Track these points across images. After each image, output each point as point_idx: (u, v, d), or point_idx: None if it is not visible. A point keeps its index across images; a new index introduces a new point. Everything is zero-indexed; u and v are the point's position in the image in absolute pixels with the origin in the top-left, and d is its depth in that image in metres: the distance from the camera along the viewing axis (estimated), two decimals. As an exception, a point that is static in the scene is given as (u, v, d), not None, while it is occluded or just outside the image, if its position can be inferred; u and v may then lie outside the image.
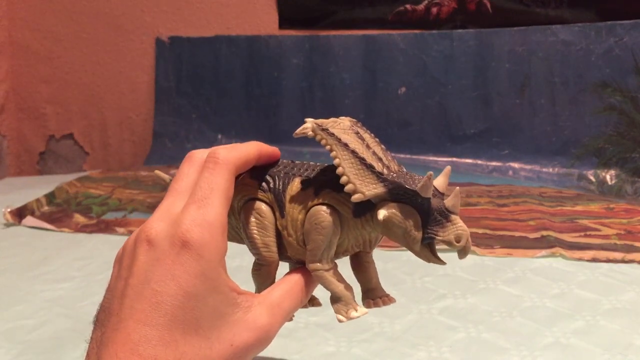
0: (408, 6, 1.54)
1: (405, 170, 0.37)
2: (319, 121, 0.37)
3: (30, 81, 1.76)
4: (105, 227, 1.00)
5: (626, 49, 1.38)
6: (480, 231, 0.92)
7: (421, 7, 1.53)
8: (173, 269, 0.32)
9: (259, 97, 1.62)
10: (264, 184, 0.39)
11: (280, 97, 1.60)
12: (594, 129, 1.40)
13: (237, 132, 1.63)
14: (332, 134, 0.36)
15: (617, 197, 1.25)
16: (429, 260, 0.36)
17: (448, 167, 0.37)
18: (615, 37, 1.39)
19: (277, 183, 0.38)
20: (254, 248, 0.39)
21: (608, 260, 0.80)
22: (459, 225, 0.35)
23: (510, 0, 1.48)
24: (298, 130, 0.37)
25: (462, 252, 0.35)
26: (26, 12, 1.73)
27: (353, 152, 0.36)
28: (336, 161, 0.36)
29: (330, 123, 0.37)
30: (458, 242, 0.34)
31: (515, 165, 1.42)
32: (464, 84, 1.49)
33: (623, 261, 0.80)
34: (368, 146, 0.36)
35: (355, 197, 0.35)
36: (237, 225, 0.40)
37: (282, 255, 0.39)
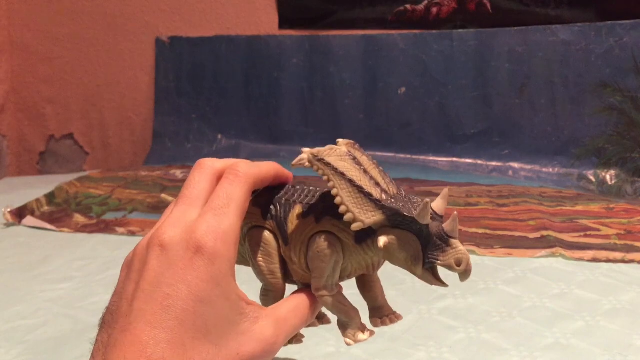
0: (408, 6, 1.54)
1: (404, 193, 0.37)
2: (315, 151, 0.37)
3: (30, 81, 1.76)
4: (105, 227, 1.00)
5: (626, 49, 1.38)
6: (480, 231, 0.92)
7: (421, 7, 1.53)
8: (185, 273, 0.32)
9: (259, 97, 1.62)
10: (266, 211, 0.39)
11: (280, 97, 1.60)
12: (594, 129, 1.40)
13: (237, 132, 1.63)
14: (329, 164, 0.36)
15: (617, 197, 1.25)
16: (431, 284, 0.36)
17: (446, 190, 0.37)
18: (615, 37, 1.39)
19: (279, 211, 0.39)
20: (260, 275, 0.40)
21: (608, 260, 0.80)
22: (459, 249, 0.35)
23: (510, 0, 1.48)
24: (295, 162, 0.37)
25: (464, 275, 0.35)
26: (26, 12, 1.73)
27: (350, 181, 0.36)
28: (334, 191, 0.36)
29: (326, 151, 0.37)
30: (458, 265, 0.35)
31: (515, 165, 1.42)
32: (464, 84, 1.49)
33: (623, 261, 0.80)
34: (365, 171, 0.37)
35: (355, 226, 0.35)
36: (243, 250, 0.40)
37: (289, 279, 0.40)
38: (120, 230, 0.98)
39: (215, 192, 0.35)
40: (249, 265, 0.41)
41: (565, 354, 0.56)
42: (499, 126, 1.46)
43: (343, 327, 0.38)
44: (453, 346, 0.58)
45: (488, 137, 1.46)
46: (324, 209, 0.37)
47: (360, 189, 0.36)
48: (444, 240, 0.35)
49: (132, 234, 0.96)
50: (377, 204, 0.35)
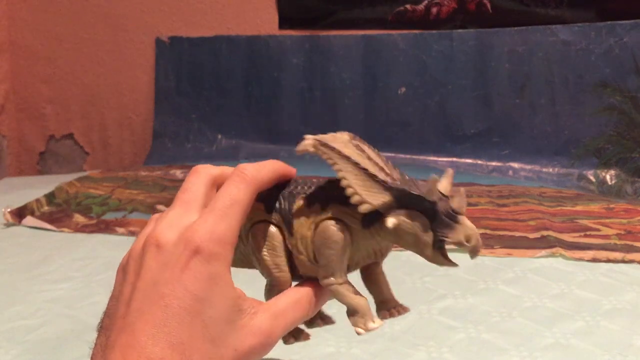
0: (408, 6, 1.54)
1: (408, 177, 0.37)
2: (319, 137, 0.37)
3: (30, 81, 1.76)
4: (105, 227, 1.00)
5: (626, 49, 1.38)
6: (480, 231, 0.92)
7: (421, 7, 1.53)
8: (182, 272, 0.32)
9: (259, 97, 1.62)
10: (270, 205, 0.39)
11: (280, 97, 1.60)
12: (594, 129, 1.40)
13: (237, 132, 1.63)
14: (334, 148, 0.36)
15: (617, 197, 1.25)
16: (441, 264, 0.36)
17: (450, 170, 0.37)
18: (615, 37, 1.39)
19: (283, 203, 0.38)
20: (265, 270, 0.39)
21: (608, 260, 0.80)
22: (468, 226, 0.35)
23: (510, 0, 1.48)
24: (299, 147, 0.37)
25: (473, 252, 0.35)
26: (26, 12, 1.73)
27: (355, 164, 0.36)
28: (340, 174, 0.36)
29: (329, 138, 0.37)
30: (468, 242, 0.35)
31: (515, 165, 1.42)
32: (464, 84, 1.49)
33: (623, 261, 0.80)
34: (369, 157, 0.37)
35: (363, 208, 0.35)
36: (245, 250, 0.40)
37: (294, 275, 0.39)
38: (120, 230, 0.98)
39: (219, 193, 0.35)
40: (251, 267, 0.41)
41: (565, 354, 0.56)
42: (499, 126, 1.46)
43: (353, 316, 0.38)
44: (453, 346, 0.58)
45: (488, 137, 1.46)
46: (329, 196, 0.37)
47: (365, 171, 0.36)
48: (452, 217, 0.35)
49: (132, 234, 0.96)
50: (384, 185, 0.35)
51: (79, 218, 1.06)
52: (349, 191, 0.35)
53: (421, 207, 0.35)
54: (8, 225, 1.02)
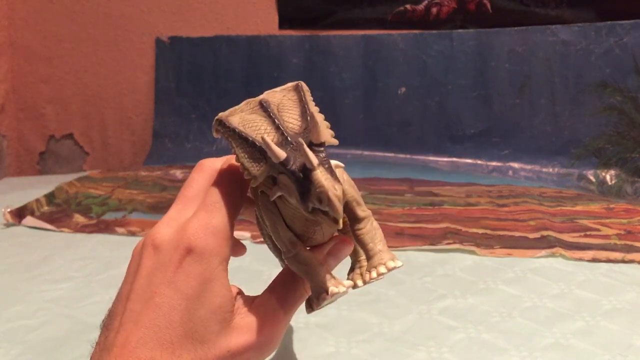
0: (408, 6, 1.54)
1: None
2: (225, 114, 0.35)
3: (30, 81, 1.76)
4: (105, 227, 1.00)
5: (626, 49, 1.38)
6: (480, 231, 0.92)
7: (421, 7, 1.53)
8: (174, 272, 0.32)
9: (259, 97, 1.62)
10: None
11: (280, 97, 1.60)
12: (594, 129, 1.40)
13: (237, 132, 1.63)
14: (228, 126, 0.34)
15: (617, 197, 1.25)
16: (332, 227, 0.32)
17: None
18: (615, 37, 1.39)
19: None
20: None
21: (608, 261, 0.80)
22: (318, 182, 0.29)
23: (510, 0, 1.48)
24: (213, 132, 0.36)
25: (333, 215, 0.30)
26: (26, 12, 1.73)
27: (244, 138, 0.33)
28: (236, 158, 0.34)
29: (236, 110, 0.35)
30: (321, 203, 0.29)
31: (515, 165, 1.42)
32: (464, 84, 1.49)
33: (623, 261, 0.80)
34: (274, 116, 0.34)
35: (253, 182, 0.33)
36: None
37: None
38: (120, 230, 0.98)
39: (209, 189, 0.35)
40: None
41: (565, 354, 0.56)
42: (499, 126, 1.46)
43: (311, 291, 0.35)
44: (453, 346, 0.58)
45: (488, 137, 1.46)
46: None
47: (247, 141, 0.33)
48: (304, 176, 0.30)
49: (132, 234, 0.96)
50: (262, 151, 0.32)
51: (79, 218, 1.06)
52: (240, 168, 0.34)
53: (282, 169, 0.31)
54: (8, 225, 1.02)
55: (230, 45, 1.63)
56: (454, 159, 1.46)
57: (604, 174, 1.35)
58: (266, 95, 0.36)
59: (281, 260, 0.38)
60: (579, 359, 0.55)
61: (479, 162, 1.44)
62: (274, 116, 0.34)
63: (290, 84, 0.38)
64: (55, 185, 1.22)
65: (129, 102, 1.72)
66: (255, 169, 0.33)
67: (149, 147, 1.69)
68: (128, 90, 1.72)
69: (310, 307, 0.35)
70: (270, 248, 0.40)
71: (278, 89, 0.37)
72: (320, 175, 0.30)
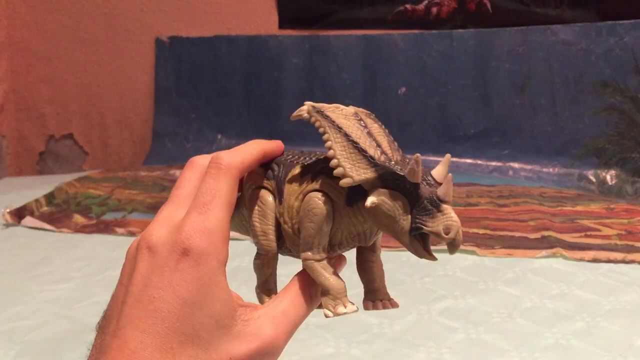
0: (408, 6, 1.54)
1: (408, 160, 0.35)
2: (318, 105, 0.36)
3: (30, 81, 1.75)
4: (105, 228, 1.00)
5: (626, 49, 1.38)
6: (480, 231, 0.92)
7: (421, 7, 1.53)
8: (171, 276, 0.32)
9: (259, 97, 1.62)
10: (269, 171, 0.38)
11: (280, 97, 1.60)
12: (594, 129, 1.40)
13: (237, 132, 1.63)
14: (327, 117, 0.35)
15: (618, 197, 1.25)
16: (420, 256, 0.34)
17: (447, 155, 0.35)
18: (615, 37, 1.39)
19: (280, 171, 0.37)
20: (254, 237, 0.38)
21: (609, 261, 0.80)
22: (449, 216, 0.32)
23: (510, 0, 1.48)
24: (294, 113, 0.36)
25: (452, 246, 0.32)
26: (26, 12, 1.73)
27: (346, 135, 0.34)
28: (328, 144, 0.34)
29: (330, 108, 0.36)
30: (447, 233, 0.32)
31: (516, 165, 1.42)
32: (464, 84, 1.49)
33: (624, 261, 0.79)
34: (370, 134, 0.35)
35: (344, 182, 0.33)
36: (248, 215, 0.39)
37: (283, 247, 0.38)
38: (120, 230, 0.98)
39: (199, 189, 0.35)
40: (247, 233, 0.39)
41: (565, 355, 0.56)
42: (499, 126, 1.46)
43: (324, 296, 0.35)
44: (453, 347, 0.58)
45: (488, 137, 1.46)
46: (322, 169, 0.36)
47: (355, 144, 0.34)
48: (435, 204, 0.32)
49: (132, 234, 0.96)
50: (371, 161, 0.33)
51: (78, 218, 1.06)
52: (333, 162, 0.34)
53: (403, 189, 0.33)
54: (8, 225, 1.02)
55: (230, 45, 1.63)
56: (454, 159, 1.46)
57: (604, 174, 1.35)
58: (354, 109, 0.37)
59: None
60: (579, 359, 0.55)
61: (479, 162, 1.44)
62: (370, 135, 0.35)
63: (363, 110, 0.38)
64: (55, 185, 1.22)
65: (129, 102, 1.72)
66: (355, 173, 0.33)
67: (148, 147, 1.69)
68: (128, 90, 1.72)
69: (328, 313, 0.36)
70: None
71: (351, 107, 0.37)
72: (452, 209, 0.32)
